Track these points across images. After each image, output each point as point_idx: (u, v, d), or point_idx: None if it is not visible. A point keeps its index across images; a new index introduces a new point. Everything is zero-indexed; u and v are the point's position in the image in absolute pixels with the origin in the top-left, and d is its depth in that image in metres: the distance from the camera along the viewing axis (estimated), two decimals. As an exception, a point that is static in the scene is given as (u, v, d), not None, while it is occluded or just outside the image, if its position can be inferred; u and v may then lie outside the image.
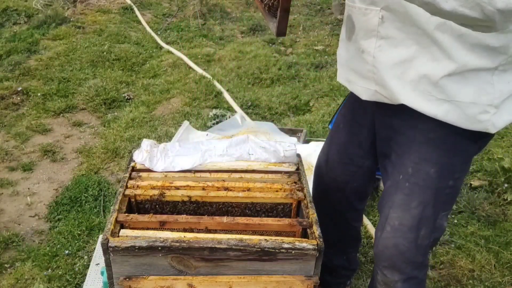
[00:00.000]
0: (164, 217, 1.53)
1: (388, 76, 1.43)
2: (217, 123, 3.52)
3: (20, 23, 5.57)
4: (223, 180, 1.71)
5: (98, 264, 2.28)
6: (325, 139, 3.35)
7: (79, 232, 2.60)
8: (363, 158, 1.77)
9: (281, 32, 1.30)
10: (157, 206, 1.68)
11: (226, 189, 1.68)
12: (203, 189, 1.68)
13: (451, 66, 1.33)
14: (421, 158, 1.49)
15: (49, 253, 2.47)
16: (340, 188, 1.86)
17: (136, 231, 1.47)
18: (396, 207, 1.54)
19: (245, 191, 1.67)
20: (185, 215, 1.55)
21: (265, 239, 1.41)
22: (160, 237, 1.41)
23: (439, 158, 1.47)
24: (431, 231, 1.54)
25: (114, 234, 1.44)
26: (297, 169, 1.79)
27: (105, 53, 4.86)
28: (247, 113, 3.75)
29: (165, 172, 1.73)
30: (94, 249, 2.44)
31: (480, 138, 1.46)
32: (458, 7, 1.11)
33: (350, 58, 1.59)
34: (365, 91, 1.54)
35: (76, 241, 2.55)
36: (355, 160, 1.78)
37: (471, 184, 2.96)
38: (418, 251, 1.55)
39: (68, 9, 6.02)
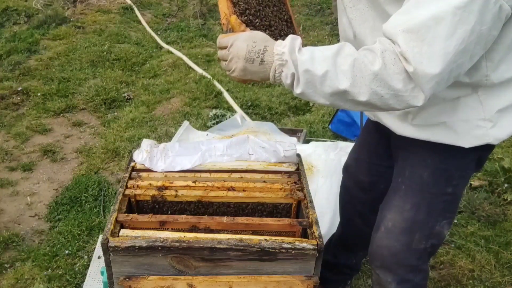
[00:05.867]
0: (164, 217, 1.53)
1: (379, 111, 1.52)
2: (217, 123, 3.52)
3: (20, 23, 5.57)
4: (223, 180, 1.71)
5: (100, 257, 2.30)
6: (325, 139, 3.37)
7: (79, 232, 2.60)
8: (393, 159, 1.76)
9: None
10: (157, 206, 1.68)
11: (226, 189, 1.67)
12: (203, 189, 1.67)
13: (431, 101, 1.34)
14: (416, 161, 1.51)
15: (49, 253, 2.47)
16: (366, 189, 1.86)
17: (136, 231, 1.46)
18: (391, 208, 1.55)
19: (245, 191, 1.67)
20: (185, 215, 1.55)
21: (265, 239, 1.41)
22: (160, 237, 1.41)
23: (433, 163, 1.48)
24: (427, 236, 1.53)
25: (114, 234, 1.44)
26: (297, 169, 1.79)
27: (105, 53, 4.85)
28: (247, 113, 3.75)
29: (165, 172, 1.73)
30: (94, 249, 2.44)
31: (479, 148, 1.44)
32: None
33: None
34: (371, 118, 1.66)
35: (76, 241, 2.55)
36: (385, 161, 1.78)
37: (471, 184, 2.96)
38: (412, 254, 1.55)
39: (68, 9, 6.02)
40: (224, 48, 1.35)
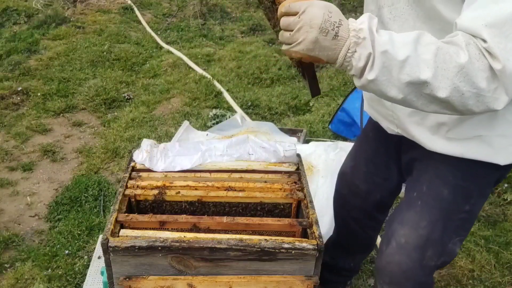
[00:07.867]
0: (164, 217, 1.53)
1: (407, 122, 1.43)
2: (217, 123, 3.52)
3: (20, 23, 5.56)
4: (223, 180, 1.71)
5: (100, 257, 2.29)
6: (325, 139, 3.36)
7: (79, 232, 2.60)
8: (391, 171, 1.71)
9: (315, 94, 1.29)
10: (157, 206, 1.68)
11: (226, 189, 1.68)
12: (203, 189, 1.68)
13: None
14: (436, 177, 1.45)
15: (49, 253, 2.46)
16: (361, 196, 1.82)
17: (136, 231, 1.47)
18: (405, 223, 1.48)
19: (245, 191, 1.67)
20: (185, 215, 1.55)
21: (265, 239, 1.41)
22: (160, 237, 1.41)
23: (454, 180, 1.42)
24: (439, 254, 1.47)
25: (114, 234, 1.44)
26: (297, 169, 1.79)
27: (105, 53, 4.85)
28: (247, 113, 3.75)
29: (165, 172, 1.73)
30: (94, 249, 2.44)
31: (505, 167, 1.38)
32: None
33: (371, 98, 1.59)
34: (390, 130, 1.57)
35: (76, 241, 2.55)
36: (382, 172, 1.73)
37: (471, 184, 2.95)
38: (422, 271, 1.48)
39: (68, 9, 6.02)
40: (293, 14, 1.12)
